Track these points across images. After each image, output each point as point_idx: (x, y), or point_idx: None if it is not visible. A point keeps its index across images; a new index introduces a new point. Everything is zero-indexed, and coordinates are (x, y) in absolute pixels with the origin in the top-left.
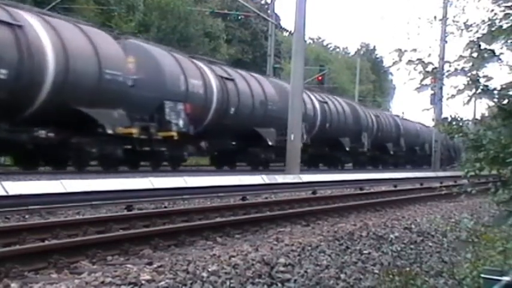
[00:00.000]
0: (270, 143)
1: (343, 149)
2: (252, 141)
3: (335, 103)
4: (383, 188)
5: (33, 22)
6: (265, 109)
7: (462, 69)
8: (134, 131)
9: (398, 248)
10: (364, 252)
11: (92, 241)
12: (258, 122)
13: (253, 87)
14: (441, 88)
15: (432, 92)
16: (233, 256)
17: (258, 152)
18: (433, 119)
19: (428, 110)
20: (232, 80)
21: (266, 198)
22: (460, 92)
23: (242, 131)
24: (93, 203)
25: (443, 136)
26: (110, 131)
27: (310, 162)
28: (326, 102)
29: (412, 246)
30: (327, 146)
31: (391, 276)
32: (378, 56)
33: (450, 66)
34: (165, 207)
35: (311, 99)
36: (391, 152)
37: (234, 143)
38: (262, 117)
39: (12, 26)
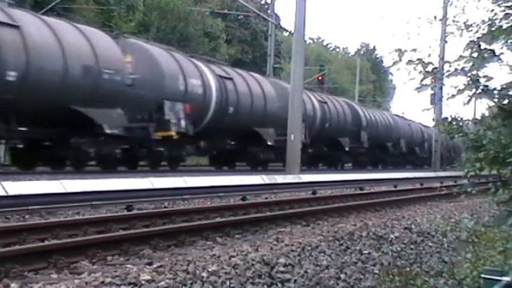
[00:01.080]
0: (108, 131)
1: (264, 144)
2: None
3: (248, 82)
4: (383, 188)
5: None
6: (97, 79)
7: (462, 69)
8: None
9: (399, 248)
10: (364, 252)
11: (92, 241)
12: (76, 97)
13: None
14: (441, 88)
15: (432, 92)
16: (233, 256)
17: (84, 145)
18: (433, 119)
19: (428, 110)
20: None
21: (266, 198)
22: (460, 92)
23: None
24: (93, 203)
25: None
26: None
27: (215, 162)
28: (230, 79)
29: (412, 246)
30: (237, 138)
31: (391, 276)
32: (378, 56)
33: (450, 66)
34: (165, 207)
35: (201, 75)
36: (347, 149)
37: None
38: (90, 92)
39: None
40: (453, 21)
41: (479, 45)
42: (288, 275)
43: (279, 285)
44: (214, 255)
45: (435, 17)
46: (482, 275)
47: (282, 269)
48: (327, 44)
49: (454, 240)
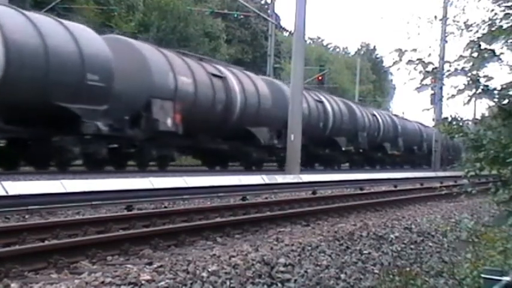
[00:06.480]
0: (263, 142)
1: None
2: None
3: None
4: (383, 188)
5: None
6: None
7: (462, 69)
8: None
9: (399, 248)
10: (364, 252)
11: (92, 241)
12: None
13: None
14: (441, 88)
15: (432, 92)
16: (233, 256)
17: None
18: (433, 119)
19: (428, 110)
20: None
21: (266, 198)
22: (460, 92)
23: None
24: (93, 203)
25: (368, 124)
26: None
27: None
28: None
29: (412, 246)
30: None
31: (391, 276)
32: (378, 56)
33: (450, 66)
34: (165, 207)
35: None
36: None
37: None
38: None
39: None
40: (453, 21)
41: (479, 45)
42: (288, 275)
43: (279, 285)
44: (214, 255)
45: (435, 17)
46: (482, 275)
47: (282, 269)
48: (327, 44)
49: (454, 240)
